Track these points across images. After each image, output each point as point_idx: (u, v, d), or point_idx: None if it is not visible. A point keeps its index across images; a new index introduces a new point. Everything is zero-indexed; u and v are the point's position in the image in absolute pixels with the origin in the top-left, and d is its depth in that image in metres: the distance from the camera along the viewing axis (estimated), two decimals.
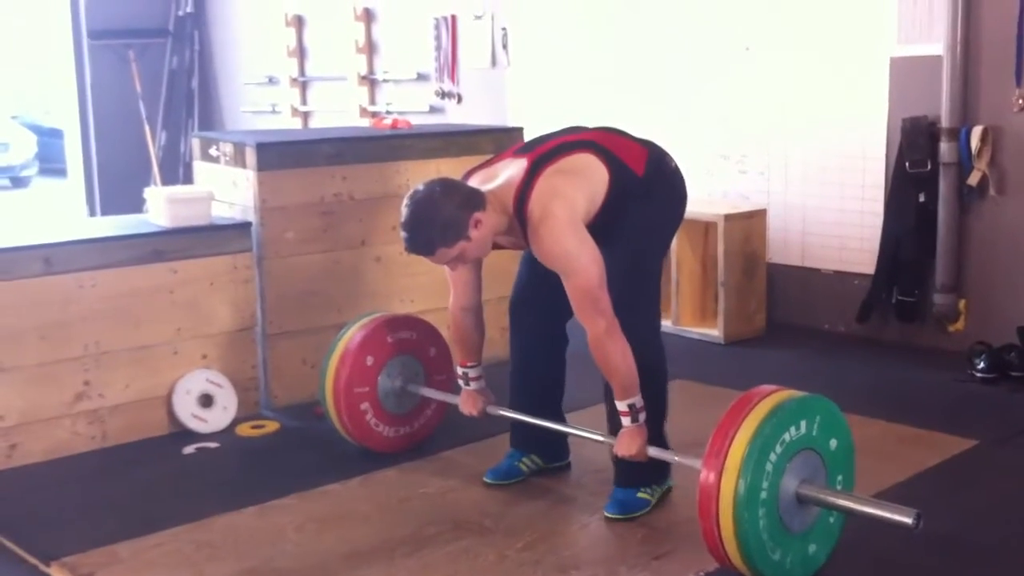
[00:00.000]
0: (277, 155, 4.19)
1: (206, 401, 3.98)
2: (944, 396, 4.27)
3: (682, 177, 3.27)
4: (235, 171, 4.25)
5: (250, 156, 4.15)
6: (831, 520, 2.79)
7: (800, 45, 5.17)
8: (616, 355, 2.96)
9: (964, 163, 4.61)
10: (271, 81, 8.20)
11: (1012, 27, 4.47)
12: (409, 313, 3.93)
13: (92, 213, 8.39)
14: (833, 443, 2.76)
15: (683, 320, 5.24)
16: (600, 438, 3.18)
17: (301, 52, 7.96)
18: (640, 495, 3.17)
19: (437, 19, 6.81)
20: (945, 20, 4.60)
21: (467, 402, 3.47)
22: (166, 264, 3.91)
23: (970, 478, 3.46)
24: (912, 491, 3.31)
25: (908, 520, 2.56)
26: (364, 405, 3.60)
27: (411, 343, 3.69)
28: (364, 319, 3.70)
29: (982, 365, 4.41)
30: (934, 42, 4.68)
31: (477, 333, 3.39)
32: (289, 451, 3.81)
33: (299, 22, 7.93)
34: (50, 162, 14.14)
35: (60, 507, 3.35)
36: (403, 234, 2.99)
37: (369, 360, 3.60)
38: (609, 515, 3.14)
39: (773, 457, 2.60)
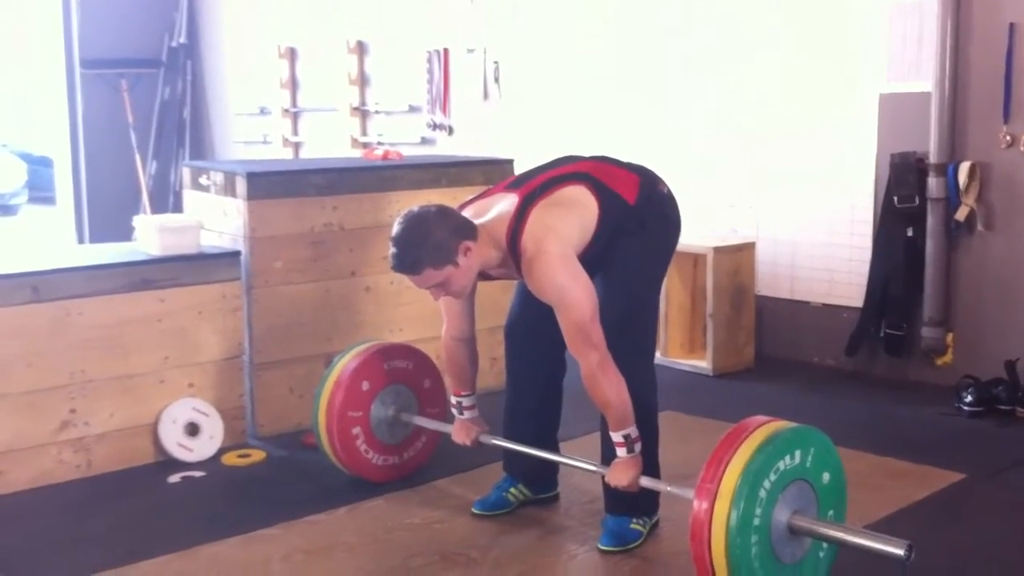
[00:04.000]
0: (267, 185, 4.19)
1: (192, 430, 3.96)
2: (932, 430, 4.27)
3: (675, 203, 3.28)
4: (225, 200, 4.25)
5: (240, 185, 4.16)
6: (821, 554, 2.77)
7: (789, 81, 5.21)
8: (610, 388, 2.96)
9: (952, 199, 4.64)
10: (263, 112, 8.23)
11: (1000, 64, 4.52)
12: (406, 343, 3.92)
13: (81, 241, 8.37)
14: (826, 477, 2.75)
15: (672, 352, 5.24)
16: (593, 468, 3.16)
17: (293, 83, 7.99)
18: (633, 526, 3.16)
19: (429, 52, 6.85)
20: (934, 57, 4.64)
21: (460, 431, 3.46)
22: (154, 292, 3.90)
23: (958, 512, 3.46)
24: (900, 525, 3.30)
25: (900, 552, 2.55)
26: (356, 430, 3.58)
27: (406, 373, 3.69)
28: (361, 346, 3.69)
29: (970, 399, 4.41)
30: (923, 79, 4.72)
31: (470, 363, 3.39)
32: (275, 481, 3.79)
33: (292, 54, 7.97)
34: (40, 190, 14.12)
35: (45, 536, 3.32)
36: (392, 250, 2.98)
37: (365, 385, 3.58)
38: (603, 547, 3.12)
39: (767, 485, 2.60)
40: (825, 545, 2.77)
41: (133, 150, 8.52)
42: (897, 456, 3.89)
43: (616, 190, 3.11)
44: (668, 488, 3.00)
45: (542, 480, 3.47)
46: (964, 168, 4.59)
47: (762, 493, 2.58)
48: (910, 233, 4.78)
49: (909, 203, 4.75)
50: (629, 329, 3.09)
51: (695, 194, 5.50)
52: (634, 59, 5.80)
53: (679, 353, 5.26)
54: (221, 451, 4.00)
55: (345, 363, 3.61)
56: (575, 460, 3.27)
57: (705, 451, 2.70)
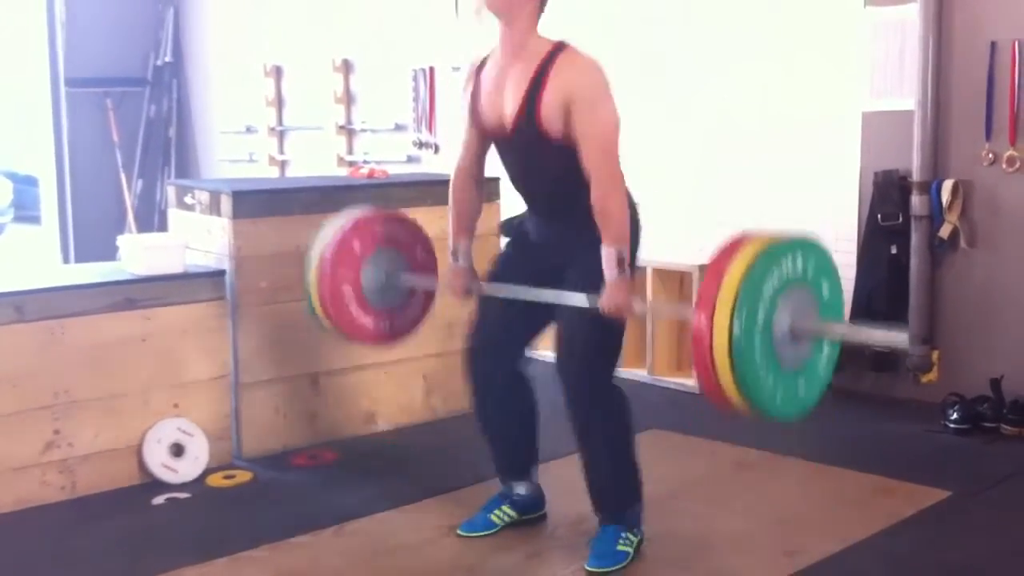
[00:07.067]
0: (252, 203, 4.19)
1: (177, 451, 3.94)
2: (918, 447, 4.28)
3: (635, 206, 3.22)
4: (210, 219, 4.25)
5: (225, 204, 4.15)
6: (821, 366, 2.77)
7: (773, 99, 5.23)
8: (617, 202, 2.97)
9: (935, 216, 4.66)
10: (248, 130, 8.22)
11: (982, 82, 4.55)
12: (399, 212, 3.83)
13: (66, 260, 8.33)
14: (825, 287, 2.74)
15: (658, 370, 5.25)
16: (585, 303, 3.04)
17: (279, 102, 7.99)
18: (620, 547, 3.14)
19: (415, 71, 6.86)
20: (916, 75, 4.67)
21: (452, 281, 3.40)
22: (139, 312, 3.88)
23: (944, 530, 3.46)
24: (887, 542, 3.31)
25: (903, 343, 2.57)
26: (347, 289, 3.51)
27: (399, 239, 3.62)
28: (354, 210, 3.64)
29: (955, 416, 4.42)
30: (905, 97, 4.74)
31: (474, 203, 3.40)
32: (261, 502, 3.77)
33: (278, 72, 7.97)
34: (25, 209, 14.07)
35: (28, 559, 3.30)
36: None
37: (356, 246, 3.53)
38: (590, 569, 3.11)
39: (769, 290, 2.58)
40: (825, 354, 2.76)
41: (119, 169, 8.50)
42: (883, 473, 3.89)
43: None
44: (657, 305, 2.97)
45: (529, 498, 3.45)
46: (947, 186, 4.62)
47: (764, 297, 2.56)
48: (894, 251, 4.80)
49: (893, 221, 4.77)
50: (599, 338, 3.09)
51: (680, 211, 5.52)
52: (616, 81, 5.80)
53: (665, 371, 5.27)
54: (206, 472, 3.97)
55: (337, 225, 3.56)
56: (562, 294, 3.13)
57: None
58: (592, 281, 3.04)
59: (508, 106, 3.11)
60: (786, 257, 2.65)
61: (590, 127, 3.00)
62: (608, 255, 2.98)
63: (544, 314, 3.22)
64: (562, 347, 3.14)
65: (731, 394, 2.61)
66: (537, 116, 3.03)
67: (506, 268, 3.36)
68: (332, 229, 3.56)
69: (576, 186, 3.03)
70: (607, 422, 3.14)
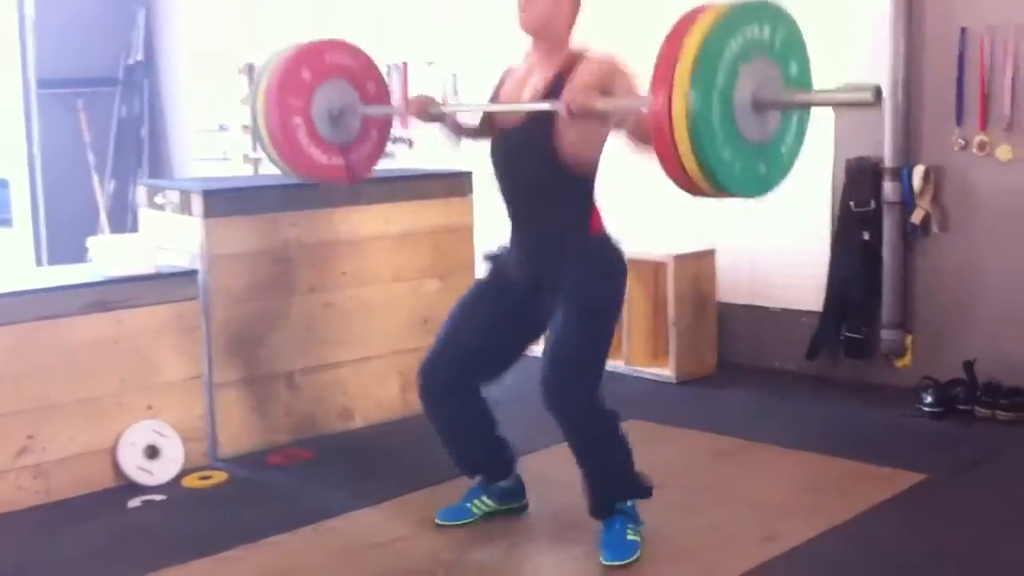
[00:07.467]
0: (224, 202, 4.16)
1: (152, 452, 3.91)
2: (893, 431, 4.30)
3: (621, 248, 3.25)
4: (181, 218, 4.22)
5: (196, 203, 4.12)
6: (783, 149, 2.69)
7: None
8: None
9: (907, 202, 4.69)
10: (222, 128, 8.17)
11: (952, 69, 4.57)
12: (349, 42, 3.74)
13: (40, 263, 8.27)
14: (794, 68, 2.63)
15: (635, 360, 5.25)
16: (549, 106, 2.96)
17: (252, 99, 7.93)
18: (630, 537, 3.14)
19: (388, 66, 6.82)
20: (886, 62, 4.69)
21: (413, 102, 3.34)
22: (110, 314, 3.85)
23: (921, 513, 3.48)
24: (864, 527, 3.33)
25: (868, 96, 2.48)
26: (297, 120, 3.41)
27: (350, 70, 3.53)
28: (303, 41, 3.55)
29: (930, 400, 4.45)
30: (876, 84, 4.75)
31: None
32: (237, 502, 3.75)
33: (250, 70, 7.91)
34: None
35: (4, 564, 3.27)
36: None
37: (305, 74, 3.42)
38: (608, 563, 3.08)
39: (728, 54, 2.46)
40: (792, 132, 2.68)
41: (91, 170, 8.43)
42: (859, 458, 3.91)
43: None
44: (621, 103, 2.89)
45: (511, 490, 3.45)
46: (918, 172, 4.64)
47: (724, 61, 2.45)
48: (867, 237, 4.82)
49: (865, 207, 4.79)
50: (589, 353, 3.10)
51: (654, 201, 5.52)
52: None
53: (642, 361, 5.27)
54: (182, 473, 3.95)
55: (285, 52, 3.47)
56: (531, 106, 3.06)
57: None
58: (583, 295, 3.06)
59: (527, 94, 3.14)
60: (751, 24, 2.52)
61: (638, 90, 2.98)
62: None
63: (518, 345, 3.26)
64: (550, 368, 3.09)
65: (689, 165, 2.49)
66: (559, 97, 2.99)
67: (485, 292, 3.33)
68: (279, 57, 3.42)
69: (562, 200, 3.09)
70: (603, 437, 3.15)
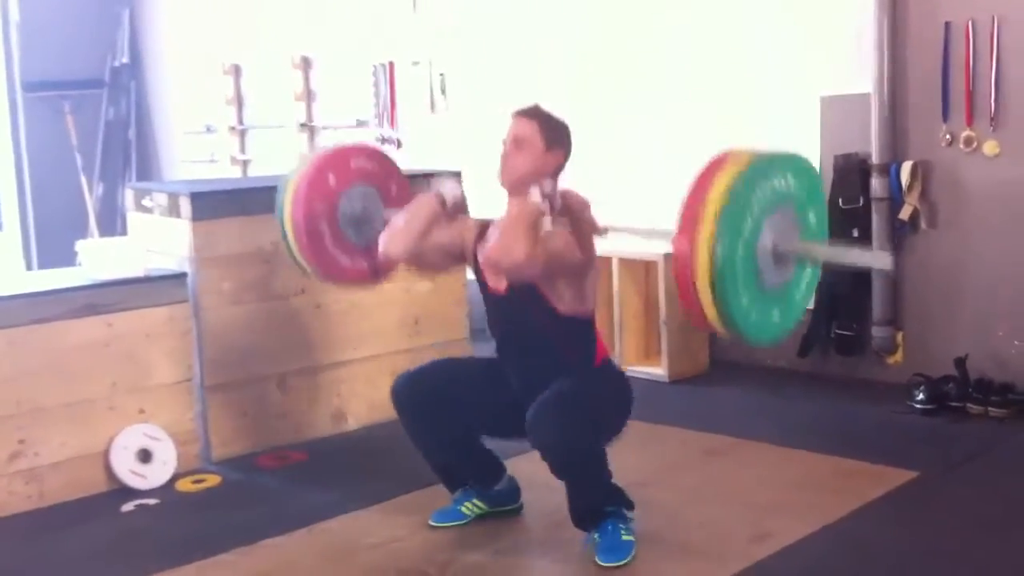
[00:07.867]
0: (212, 204, 4.15)
1: (144, 456, 3.90)
2: (885, 428, 4.31)
3: (626, 378, 3.35)
4: (170, 221, 4.21)
5: (184, 206, 4.12)
6: (797, 296, 2.75)
7: (732, 85, 5.25)
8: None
9: (895, 198, 4.70)
10: (209, 130, 8.15)
11: (938, 64, 4.58)
12: (371, 144, 3.78)
13: (29, 267, 8.25)
14: (812, 216, 2.69)
15: (627, 359, 5.25)
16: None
17: (239, 101, 7.93)
18: (624, 538, 3.13)
19: (375, 66, 6.83)
20: (873, 59, 4.70)
21: (425, 195, 3.32)
22: (100, 317, 3.84)
23: (913, 509, 3.49)
24: (856, 524, 3.34)
25: (886, 263, 2.55)
26: (323, 226, 3.44)
27: (374, 174, 3.57)
28: (327, 147, 3.59)
29: (921, 397, 4.46)
30: (862, 81, 4.77)
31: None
32: (230, 505, 3.75)
33: (236, 71, 7.90)
34: None
35: None
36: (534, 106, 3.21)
37: (331, 180, 3.46)
38: (605, 564, 3.07)
39: (756, 205, 2.52)
40: (805, 281, 2.74)
41: (79, 173, 8.41)
42: (851, 455, 3.92)
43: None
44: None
45: (503, 493, 3.45)
46: (906, 167, 4.65)
47: (752, 212, 2.50)
48: (855, 233, 4.83)
49: (854, 204, 4.80)
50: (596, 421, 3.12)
51: (643, 200, 5.53)
52: (579, 67, 5.82)
53: (634, 360, 5.28)
54: (175, 477, 3.94)
55: (311, 159, 3.51)
56: None
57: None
58: (570, 381, 3.08)
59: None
60: (777, 177, 2.58)
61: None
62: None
63: (494, 417, 3.27)
64: (535, 407, 3.07)
65: (708, 309, 2.55)
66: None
67: (487, 361, 3.35)
68: (305, 163, 3.46)
69: (569, 345, 3.16)
70: (595, 477, 3.14)
